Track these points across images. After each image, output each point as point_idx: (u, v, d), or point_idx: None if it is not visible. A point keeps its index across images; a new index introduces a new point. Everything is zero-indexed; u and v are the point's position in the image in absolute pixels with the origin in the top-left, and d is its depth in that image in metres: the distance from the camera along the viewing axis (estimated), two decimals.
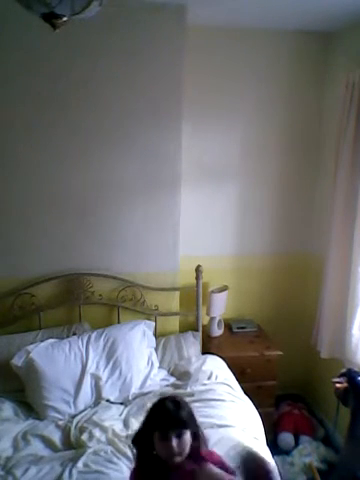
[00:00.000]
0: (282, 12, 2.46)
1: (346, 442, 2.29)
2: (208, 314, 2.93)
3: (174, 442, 1.35)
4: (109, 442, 1.99)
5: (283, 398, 3.09)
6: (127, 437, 2.03)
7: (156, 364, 2.54)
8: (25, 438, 2.03)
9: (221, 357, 2.65)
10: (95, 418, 2.15)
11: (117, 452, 1.92)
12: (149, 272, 2.74)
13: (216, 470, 1.38)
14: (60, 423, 2.15)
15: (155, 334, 2.69)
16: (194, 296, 2.80)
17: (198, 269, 2.78)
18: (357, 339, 2.55)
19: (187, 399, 2.24)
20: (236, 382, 2.45)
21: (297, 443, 2.80)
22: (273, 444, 2.72)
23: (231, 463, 1.49)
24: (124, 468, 1.84)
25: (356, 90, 2.40)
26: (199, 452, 1.42)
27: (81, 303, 2.66)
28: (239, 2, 2.30)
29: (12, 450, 1.97)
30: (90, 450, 1.92)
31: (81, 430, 2.08)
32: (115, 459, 1.89)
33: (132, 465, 1.70)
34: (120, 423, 2.16)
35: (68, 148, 2.53)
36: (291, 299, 3.18)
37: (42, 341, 2.39)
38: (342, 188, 2.54)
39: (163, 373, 2.55)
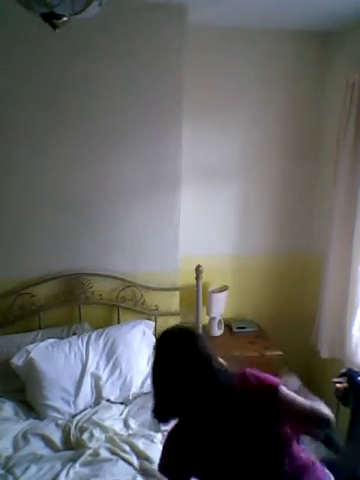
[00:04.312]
0: (282, 12, 2.46)
1: (346, 442, 2.29)
2: (208, 314, 2.93)
3: None
4: (109, 442, 2.00)
5: None
6: (130, 436, 2.04)
7: None
8: (25, 437, 2.04)
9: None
10: (95, 418, 2.15)
11: (117, 452, 1.93)
12: (149, 272, 2.74)
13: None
14: (60, 423, 2.16)
15: (155, 334, 2.68)
16: (194, 296, 2.80)
17: (198, 269, 2.77)
18: (357, 339, 2.55)
19: None
20: None
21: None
22: None
23: None
24: (123, 468, 1.84)
25: (356, 90, 2.40)
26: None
27: (81, 303, 2.66)
28: (239, 2, 2.30)
29: (12, 449, 1.97)
30: (90, 450, 1.92)
31: (81, 430, 2.08)
32: (114, 459, 1.89)
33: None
34: (120, 423, 2.17)
35: (68, 149, 2.53)
36: (291, 299, 3.18)
37: (42, 341, 2.40)
38: (342, 188, 2.54)
39: None
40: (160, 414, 1.42)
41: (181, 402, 1.37)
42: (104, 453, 1.92)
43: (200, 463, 1.37)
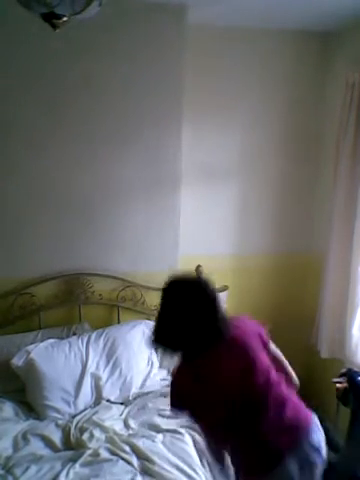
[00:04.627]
0: (282, 12, 2.46)
1: (346, 442, 2.29)
2: None
3: None
4: (109, 442, 2.00)
5: None
6: (130, 436, 2.04)
7: (156, 364, 2.54)
8: (25, 438, 2.04)
9: None
10: (95, 418, 2.15)
11: (117, 452, 1.93)
12: (149, 272, 2.74)
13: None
14: (60, 423, 2.15)
15: None
16: None
17: (198, 269, 2.77)
18: (357, 339, 2.55)
19: None
20: None
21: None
22: None
23: None
24: (123, 468, 1.84)
25: (356, 90, 2.40)
26: None
27: (81, 303, 2.66)
28: (239, 2, 2.30)
29: (12, 450, 1.97)
30: (90, 450, 1.92)
31: (81, 430, 2.08)
32: (115, 459, 1.89)
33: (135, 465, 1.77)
34: (120, 423, 2.17)
35: (69, 149, 2.53)
36: (291, 299, 3.18)
37: (42, 341, 2.40)
38: (342, 188, 2.54)
39: (163, 373, 2.55)
40: (159, 340, 1.54)
41: (183, 340, 1.48)
42: (104, 453, 1.92)
43: (202, 398, 1.47)
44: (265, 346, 1.58)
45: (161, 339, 1.52)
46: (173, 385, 1.55)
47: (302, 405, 1.56)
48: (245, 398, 1.46)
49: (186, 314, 1.45)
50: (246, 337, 1.53)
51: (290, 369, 1.70)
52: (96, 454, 1.91)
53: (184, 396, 1.49)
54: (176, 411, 1.60)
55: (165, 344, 1.53)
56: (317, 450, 1.49)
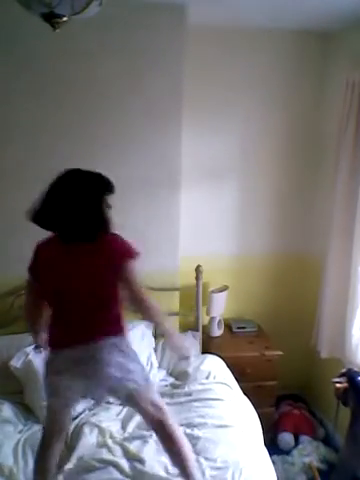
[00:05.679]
0: (282, 12, 2.46)
1: (346, 442, 2.29)
2: (208, 314, 2.93)
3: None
4: (104, 443, 2.00)
5: (283, 398, 3.09)
6: (124, 439, 2.04)
7: (155, 364, 2.54)
8: (25, 452, 1.99)
9: (221, 357, 2.65)
10: (93, 419, 2.16)
11: (108, 458, 1.92)
12: (149, 272, 2.71)
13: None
14: None
15: (155, 334, 2.68)
16: (194, 296, 2.80)
17: (198, 269, 2.77)
18: (357, 339, 2.55)
19: (185, 398, 2.27)
20: (235, 382, 2.45)
21: (297, 443, 2.80)
22: (273, 444, 2.72)
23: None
24: (113, 473, 1.83)
25: (356, 90, 2.40)
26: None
27: None
28: (239, 2, 2.29)
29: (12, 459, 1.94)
30: (87, 451, 1.92)
31: (79, 431, 2.08)
32: (112, 459, 1.89)
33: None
34: (118, 423, 2.17)
35: (67, 149, 2.52)
36: (291, 299, 3.18)
37: None
38: (342, 188, 2.54)
39: (162, 373, 2.55)
40: (38, 219, 1.71)
41: (65, 222, 1.67)
42: (98, 454, 1.91)
43: (57, 272, 1.70)
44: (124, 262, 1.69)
45: (44, 215, 1.69)
46: (42, 252, 1.75)
47: (117, 328, 1.81)
48: (84, 290, 1.68)
49: (78, 199, 1.65)
50: (117, 252, 1.70)
51: (147, 301, 1.81)
52: (93, 455, 1.91)
53: (45, 264, 1.72)
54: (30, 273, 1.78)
55: (45, 220, 1.69)
56: (109, 366, 1.68)
